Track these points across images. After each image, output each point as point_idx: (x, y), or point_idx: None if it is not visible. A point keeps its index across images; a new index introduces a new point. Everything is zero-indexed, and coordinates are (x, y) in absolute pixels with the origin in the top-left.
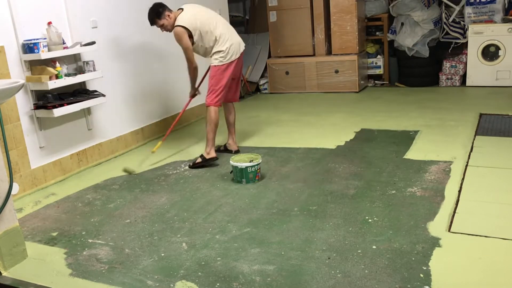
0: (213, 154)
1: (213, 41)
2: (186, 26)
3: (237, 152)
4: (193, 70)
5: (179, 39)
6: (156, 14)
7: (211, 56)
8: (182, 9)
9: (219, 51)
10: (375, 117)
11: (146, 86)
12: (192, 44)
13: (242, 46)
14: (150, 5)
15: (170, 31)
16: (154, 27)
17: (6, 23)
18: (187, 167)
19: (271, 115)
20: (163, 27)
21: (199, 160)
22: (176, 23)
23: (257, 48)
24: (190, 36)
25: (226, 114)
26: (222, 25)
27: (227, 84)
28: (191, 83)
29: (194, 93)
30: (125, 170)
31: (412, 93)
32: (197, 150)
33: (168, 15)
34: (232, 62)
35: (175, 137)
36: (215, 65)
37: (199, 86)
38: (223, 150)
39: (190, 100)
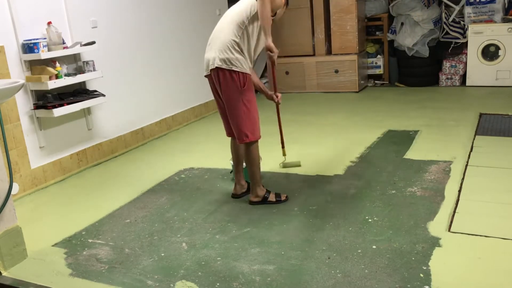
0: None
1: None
2: None
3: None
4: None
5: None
6: None
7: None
8: None
9: None
10: (375, 117)
11: (146, 86)
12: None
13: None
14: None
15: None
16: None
17: (6, 23)
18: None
19: (270, 115)
20: None
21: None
22: None
23: None
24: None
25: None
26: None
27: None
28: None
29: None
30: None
31: (412, 93)
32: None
33: None
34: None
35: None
36: None
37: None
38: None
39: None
